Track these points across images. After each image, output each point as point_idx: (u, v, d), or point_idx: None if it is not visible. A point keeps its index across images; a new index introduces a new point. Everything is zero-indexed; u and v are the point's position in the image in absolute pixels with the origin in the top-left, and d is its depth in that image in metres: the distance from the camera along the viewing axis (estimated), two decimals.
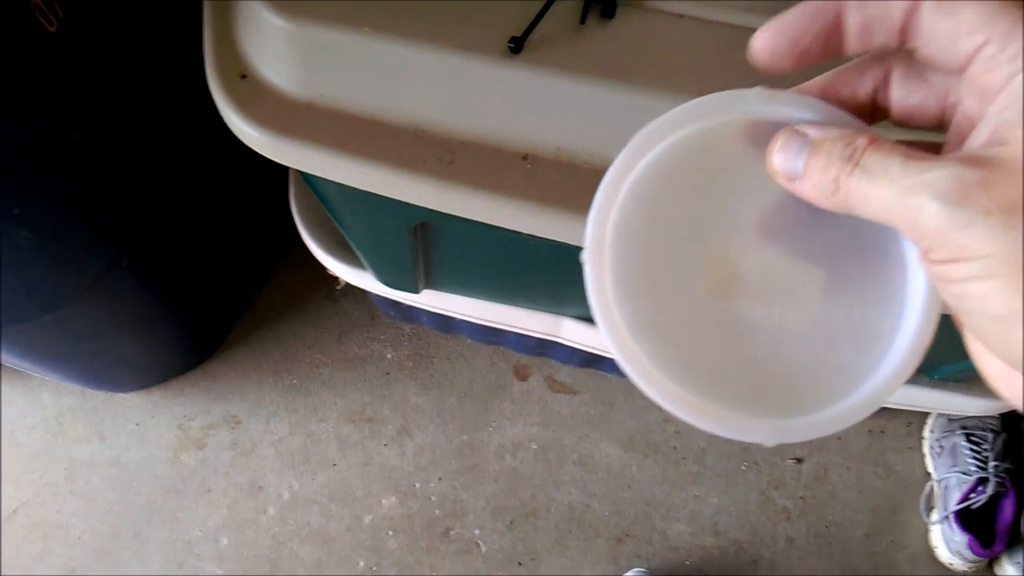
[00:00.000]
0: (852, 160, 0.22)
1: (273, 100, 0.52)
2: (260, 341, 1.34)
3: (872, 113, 0.26)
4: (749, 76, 0.49)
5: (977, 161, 0.20)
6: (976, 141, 0.22)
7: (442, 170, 0.51)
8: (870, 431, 1.33)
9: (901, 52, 0.24)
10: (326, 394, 1.32)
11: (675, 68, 0.48)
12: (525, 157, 0.52)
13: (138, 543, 1.23)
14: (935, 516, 1.26)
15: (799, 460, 1.32)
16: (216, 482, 1.27)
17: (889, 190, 0.21)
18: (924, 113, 0.25)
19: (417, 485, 1.28)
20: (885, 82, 0.25)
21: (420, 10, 0.49)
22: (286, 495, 1.26)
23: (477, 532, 1.26)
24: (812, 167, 0.23)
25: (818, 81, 0.26)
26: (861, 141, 0.23)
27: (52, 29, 0.63)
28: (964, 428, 1.28)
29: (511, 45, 0.47)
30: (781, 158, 0.24)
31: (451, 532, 1.26)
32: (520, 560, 1.25)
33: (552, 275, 0.76)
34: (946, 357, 0.87)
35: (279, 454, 1.28)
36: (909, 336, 0.25)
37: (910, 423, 1.34)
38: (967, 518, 1.21)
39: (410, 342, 1.35)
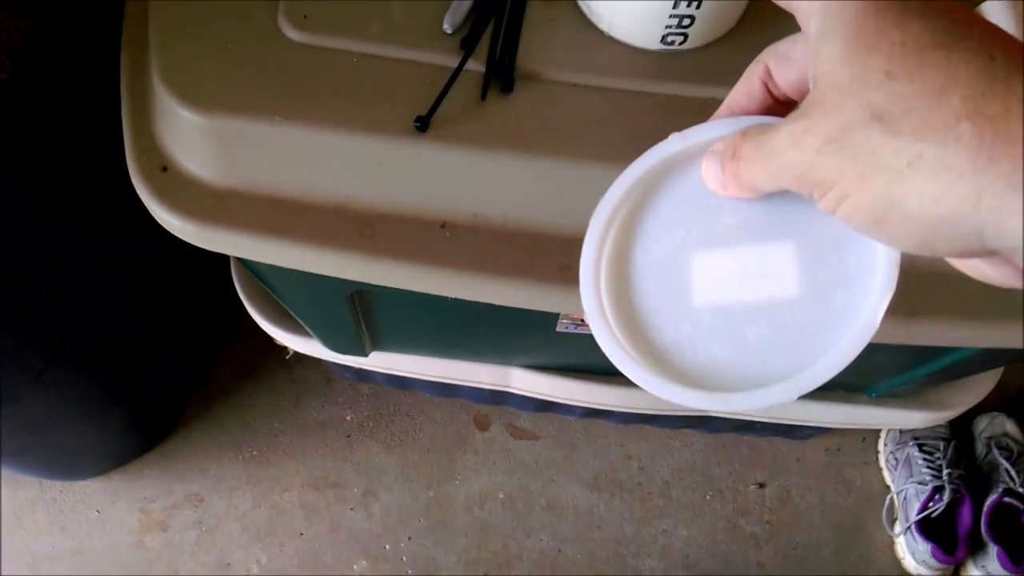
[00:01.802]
0: (736, 157, 0.28)
1: (195, 190, 0.54)
2: (217, 415, 1.34)
3: (778, 102, 0.30)
4: (639, 135, 0.52)
5: (800, 112, 0.25)
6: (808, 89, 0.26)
7: (364, 243, 0.53)
8: (826, 450, 1.36)
9: (769, 50, 0.29)
10: (288, 463, 1.32)
11: (573, 134, 0.51)
12: (443, 225, 0.54)
13: None
14: (898, 528, 1.29)
15: (761, 485, 1.34)
16: (183, 563, 1.25)
17: (759, 166, 0.27)
18: (803, 85, 0.28)
19: (387, 547, 1.27)
20: (768, 76, 0.29)
21: (328, 94, 0.51)
22: (255, 570, 1.25)
23: None
24: (726, 174, 0.28)
25: (724, 103, 0.31)
26: (737, 137, 0.28)
27: None
28: (916, 439, 1.31)
29: (417, 124, 0.50)
30: (710, 177, 0.29)
31: None
32: None
33: (493, 328, 0.78)
34: (880, 375, 0.90)
35: (245, 528, 1.27)
36: (886, 259, 0.29)
37: (864, 438, 1.37)
38: (928, 527, 1.24)
39: (368, 402, 1.36)
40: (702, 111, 0.52)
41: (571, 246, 0.54)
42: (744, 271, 0.30)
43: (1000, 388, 1.38)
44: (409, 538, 1.28)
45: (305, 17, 0.52)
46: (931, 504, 1.24)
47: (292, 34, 0.52)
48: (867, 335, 0.29)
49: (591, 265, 0.32)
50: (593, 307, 0.31)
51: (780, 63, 0.29)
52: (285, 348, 0.99)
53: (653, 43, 0.52)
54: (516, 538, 1.29)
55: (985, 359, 0.78)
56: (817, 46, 0.25)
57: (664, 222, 0.31)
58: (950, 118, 0.21)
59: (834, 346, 0.29)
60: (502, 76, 0.52)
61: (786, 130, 0.25)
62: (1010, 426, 1.32)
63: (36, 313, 0.86)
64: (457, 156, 0.51)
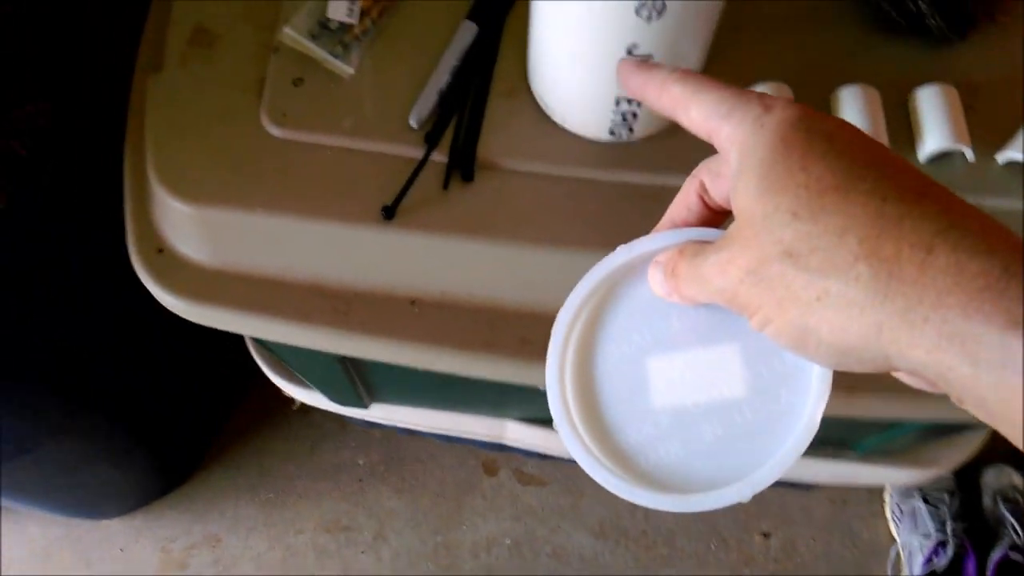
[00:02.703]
0: (675, 274, 0.30)
1: (187, 271, 0.59)
2: (235, 458, 1.39)
3: (715, 212, 0.32)
4: (590, 220, 0.56)
5: (726, 240, 0.27)
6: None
7: (339, 320, 0.58)
8: (832, 500, 1.36)
9: (703, 166, 0.32)
10: (302, 505, 1.36)
11: (529, 219, 0.55)
12: (413, 302, 0.59)
13: None
14: None
15: (766, 535, 1.35)
16: None
17: (694, 286, 0.29)
18: None
19: None
20: (704, 190, 0.32)
21: (304, 185, 0.56)
22: None
23: None
24: (668, 287, 0.31)
25: (666, 214, 0.34)
26: (674, 254, 0.30)
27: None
28: (922, 491, 1.31)
29: (383, 212, 0.55)
30: (657, 286, 0.32)
31: None
32: None
33: (480, 386, 0.82)
34: (864, 433, 0.92)
35: (260, 569, 1.32)
36: (817, 371, 0.31)
37: (871, 490, 1.37)
38: None
39: (380, 446, 1.40)
40: (650, 197, 0.56)
41: (530, 321, 0.58)
42: (696, 373, 0.32)
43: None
44: None
45: (284, 115, 0.58)
46: (935, 558, 1.24)
47: (273, 131, 0.58)
48: (809, 434, 0.31)
49: (556, 374, 0.34)
50: (561, 415, 0.33)
51: (713, 179, 0.31)
52: (292, 401, 1.04)
53: (602, 135, 0.56)
54: None
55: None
56: (735, 181, 0.27)
57: (620, 329, 0.34)
58: (849, 258, 0.23)
59: (782, 444, 0.31)
60: (463, 166, 0.56)
61: (713, 259, 0.27)
62: (1017, 478, 1.32)
63: (55, 368, 0.93)
64: (422, 241, 0.56)
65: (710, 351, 0.32)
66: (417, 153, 0.57)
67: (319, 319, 0.58)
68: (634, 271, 0.33)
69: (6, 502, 1.15)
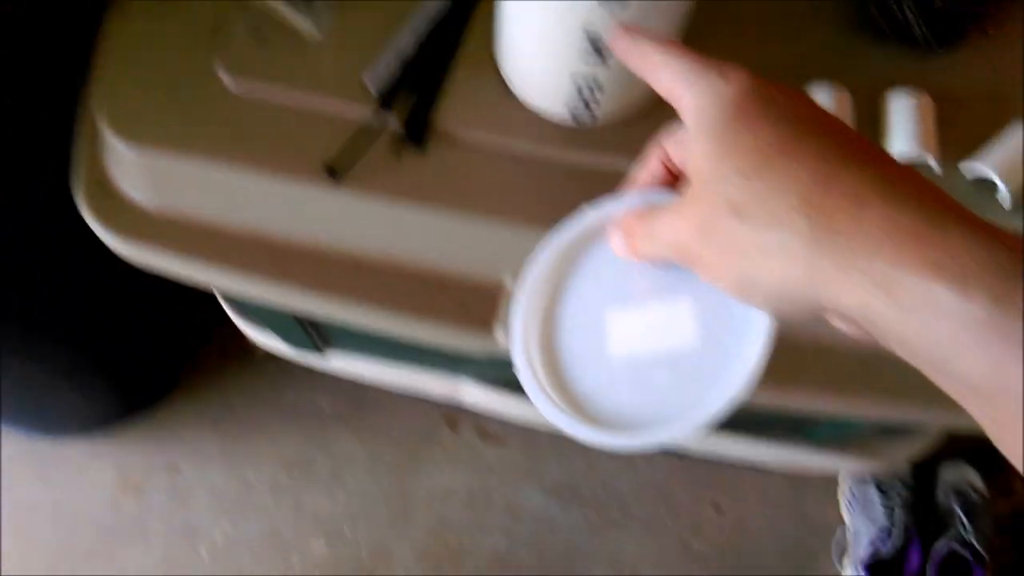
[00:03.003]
0: (631, 234, 0.33)
1: (131, 212, 0.58)
2: (201, 392, 1.40)
3: (675, 176, 0.35)
4: (543, 200, 0.55)
5: (678, 201, 0.30)
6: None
7: (280, 274, 0.57)
8: (789, 481, 1.37)
9: (665, 133, 0.34)
10: (262, 442, 1.37)
11: (480, 194, 0.54)
12: (356, 262, 0.58)
13: None
14: (847, 564, 1.31)
15: (719, 508, 1.36)
16: (153, 525, 1.32)
17: (648, 244, 0.32)
18: None
19: (346, 530, 1.33)
20: (666, 156, 0.34)
21: (252, 138, 0.55)
22: (219, 538, 1.31)
23: None
24: (626, 243, 0.33)
25: (629, 179, 0.36)
26: (630, 215, 0.33)
27: None
28: (877, 479, 1.32)
29: (328, 172, 0.53)
30: (616, 244, 0.34)
31: None
32: None
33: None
34: (819, 421, 0.92)
35: (214, 499, 1.33)
36: (761, 323, 0.33)
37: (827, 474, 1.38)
38: (876, 567, 1.26)
39: (346, 392, 1.41)
40: (605, 182, 0.55)
41: (473, 290, 0.58)
42: (651, 324, 0.35)
43: (971, 436, 1.39)
44: (368, 525, 1.33)
45: (239, 66, 0.56)
46: (880, 544, 1.26)
47: (227, 80, 0.56)
48: (753, 378, 0.33)
49: (520, 323, 0.36)
50: (523, 361, 0.36)
51: (675, 145, 0.33)
52: (256, 348, 1.04)
53: (564, 118, 0.55)
54: (471, 535, 1.33)
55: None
56: (691, 144, 0.29)
57: (583, 283, 0.36)
58: (790, 212, 0.25)
59: (724, 388, 0.33)
60: (416, 133, 0.55)
61: (667, 217, 0.30)
62: (973, 476, 1.33)
63: (21, 282, 0.92)
64: (368, 204, 0.54)
65: (664, 304, 0.35)
66: (371, 116, 0.55)
67: (260, 271, 0.57)
68: (599, 231, 0.36)
69: None
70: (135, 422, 1.37)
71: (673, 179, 0.34)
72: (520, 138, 0.55)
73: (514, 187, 0.55)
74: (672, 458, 1.37)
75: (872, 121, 0.57)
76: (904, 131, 0.55)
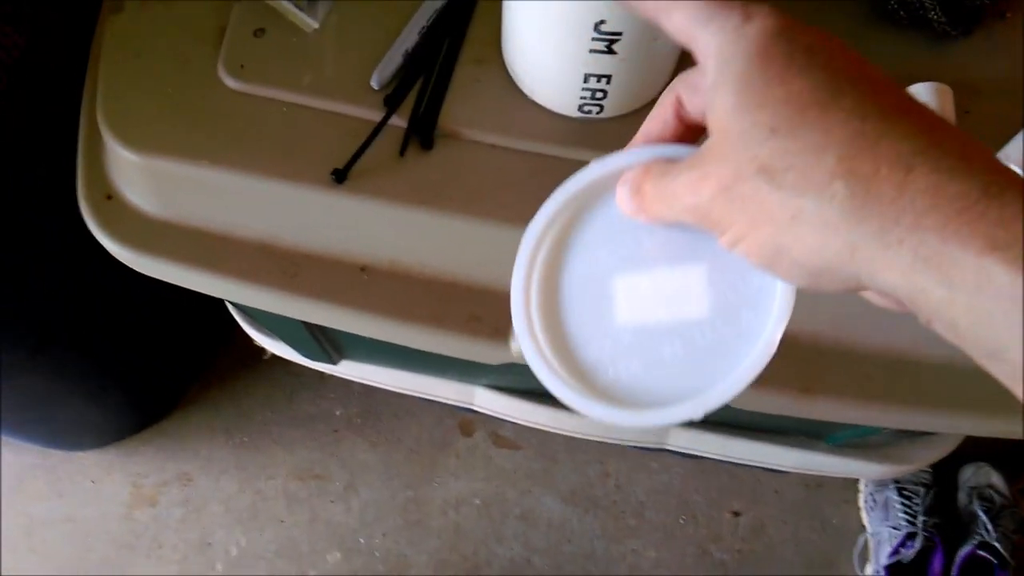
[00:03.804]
0: (640, 192, 0.29)
1: (134, 219, 0.57)
2: (214, 401, 1.39)
3: (690, 128, 0.31)
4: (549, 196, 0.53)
5: (698, 157, 0.26)
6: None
7: (286, 282, 0.56)
8: (807, 485, 1.36)
9: (680, 79, 0.30)
10: (276, 451, 1.37)
11: (487, 194, 0.53)
12: (363, 269, 0.57)
13: None
14: (869, 570, 1.29)
15: (736, 513, 1.34)
16: (167, 538, 1.31)
17: (661, 204, 0.28)
18: None
19: (362, 541, 1.32)
20: (681, 105, 0.30)
21: (255, 141, 0.54)
22: (234, 551, 1.31)
23: None
24: (635, 203, 0.30)
25: (641, 129, 0.32)
26: (639, 173, 0.30)
27: None
28: (897, 482, 1.30)
29: (333, 176, 0.52)
30: (624, 204, 0.31)
31: None
32: None
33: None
34: (839, 424, 0.90)
35: (228, 511, 1.33)
36: (782, 283, 0.31)
37: (846, 478, 1.36)
38: (897, 572, 1.24)
39: (359, 400, 1.40)
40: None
41: (482, 297, 0.57)
42: (660, 292, 0.32)
43: (992, 438, 1.37)
44: (384, 535, 1.32)
45: (242, 66, 0.55)
46: (902, 549, 1.23)
47: (229, 82, 0.55)
48: (766, 356, 0.31)
49: (521, 287, 0.33)
50: (523, 327, 0.33)
51: (690, 94, 0.30)
52: (262, 351, 1.03)
53: (571, 111, 0.54)
54: (487, 544, 1.32)
55: None
56: (712, 94, 0.26)
57: (588, 245, 0.33)
58: (826, 176, 0.23)
59: (738, 366, 0.31)
60: (422, 133, 0.54)
61: (685, 176, 0.27)
62: (996, 478, 1.30)
63: (32, 295, 0.92)
64: (374, 207, 0.53)
65: (676, 271, 0.32)
66: (377, 116, 0.54)
67: (266, 279, 0.56)
68: (607, 188, 0.33)
69: None
70: (148, 433, 1.37)
71: (686, 130, 0.31)
72: (527, 135, 0.54)
73: (522, 186, 0.54)
74: (688, 463, 1.36)
75: None
76: None
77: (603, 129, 0.55)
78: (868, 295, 0.28)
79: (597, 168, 0.32)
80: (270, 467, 1.35)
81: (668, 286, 0.32)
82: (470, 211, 0.53)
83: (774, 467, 1.00)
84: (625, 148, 0.32)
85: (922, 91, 0.53)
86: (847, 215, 0.23)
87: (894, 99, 0.24)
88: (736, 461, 1.08)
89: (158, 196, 0.56)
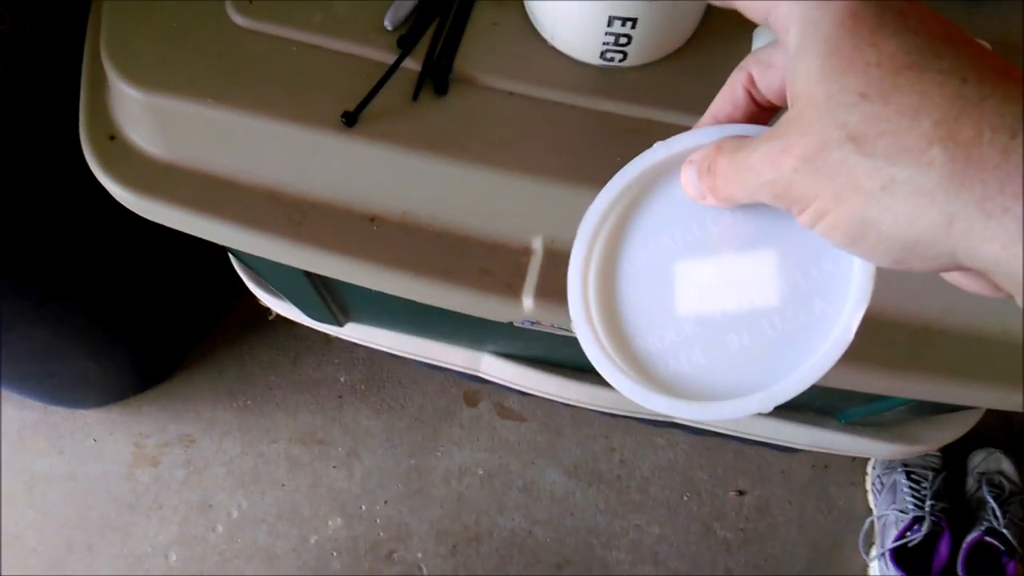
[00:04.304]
0: (711, 171, 0.28)
1: (138, 161, 0.56)
2: (217, 362, 1.38)
3: (763, 109, 0.30)
4: (568, 149, 0.52)
5: (778, 129, 0.25)
6: (787, 105, 0.26)
7: (293, 230, 0.55)
8: (813, 465, 1.34)
9: (752, 57, 0.29)
10: (279, 415, 1.36)
11: (502, 143, 0.51)
12: (373, 219, 0.55)
13: (91, 556, 1.27)
14: (873, 552, 1.27)
15: (741, 492, 1.33)
16: (168, 499, 1.30)
17: (737, 182, 0.27)
18: (785, 92, 0.28)
19: (363, 507, 1.31)
20: (752, 83, 0.29)
21: (264, 81, 0.52)
22: (235, 514, 1.30)
23: (420, 555, 1.29)
24: (703, 186, 0.29)
25: (708, 111, 0.31)
26: (712, 151, 0.28)
27: None
28: (905, 465, 1.28)
29: (344, 119, 0.50)
30: (689, 187, 0.30)
31: (394, 555, 1.29)
32: None
33: (452, 315, 0.79)
34: (848, 402, 0.88)
35: (230, 473, 1.32)
36: (861, 268, 0.29)
37: (854, 459, 1.35)
38: (903, 556, 1.22)
39: (364, 366, 1.39)
40: (637, 131, 0.52)
41: (495, 252, 0.55)
42: (726, 279, 0.31)
43: (1003, 424, 1.34)
44: (385, 502, 1.31)
45: (251, 2, 0.53)
46: (909, 533, 1.22)
47: (237, 18, 0.53)
48: (842, 346, 0.29)
49: (579, 273, 0.32)
50: (580, 314, 0.32)
51: (763, 70, 0.29)
52: (267, 311, 1.02)
53: (593, 58, 0.52)
54: (489, 515, 1.31)
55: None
56: (795, 61, 0.24)
57: (650, 230, 0.32)
58: (922, 142, 0.21)
59: (810, 357, 0.29)
60: (437, 77, 0.52)
61: (764, 148, 0.25)
62: (1006, 465, 1.29)
63: (33, 250, 0.90)
64: (385, 153, 0.52)
65: (743, 257, 0.30)
66: (390, 58, 0.52)
67: (271, 226, 0.55)
68: (670, 171, 0.31)
69: None
70: (151, 393, 1.36)
71: (758, 110, 0.30)
72: (546, 82, 0.52)
73: (539, 136, 0.52)
74: (695, 440, 1.34)
75: None
76: None
77: (625, 78, 0.53)
78: (956, 277, 0.27)
79: (662, 150, 0.31)
80: (273, 431, 1.34)
81: (735, 273, 0.30)
82: (484, 161, 0.51)
83: (783, 444, 0.98)
84: (692, 129, 0.31)
85: None
86: (946, 182, 0.21)
87: (992, 61, 0.22)
88: (745, 437, 1.06)
89: (162, 136, 0.54)
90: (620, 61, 0.52)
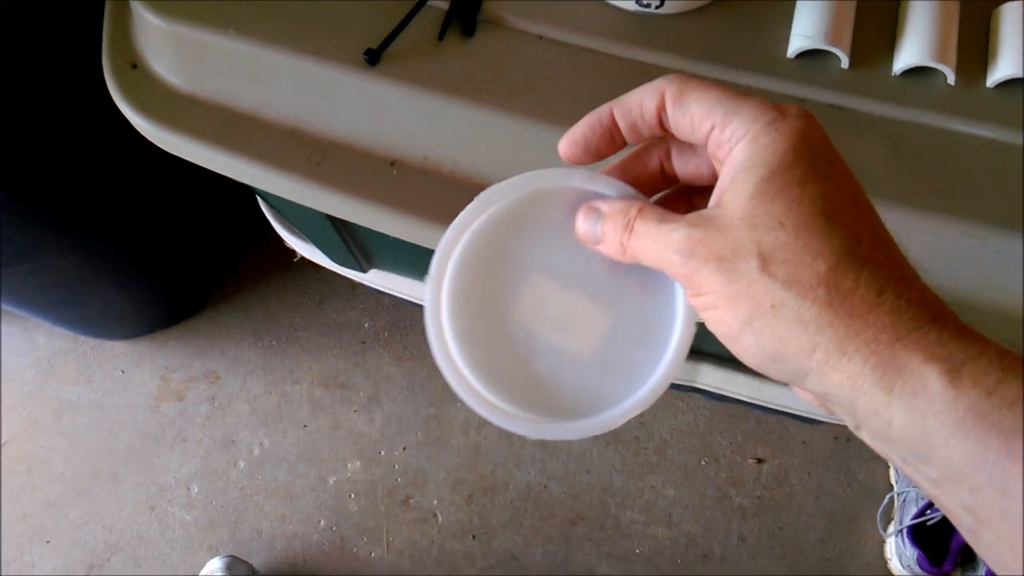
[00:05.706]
0: (628, 227, 0.30)
1: (159, 91, 0.55)
2: (244, 301, 1.39)
3: (666, 180, 0.33)
4: (596, 99, 0.50)
5: (701, 220, 0.28)
6: (711, 203, 0.29)
7: (311, 170, 0.53)
8: (836, 438, 1.32)
9: (673, 141, 0.32)
10: (303, 357, 1.37)
11: (528, 89, 0.49)
12: (393, 163, 0.54)
13: (115, 484, 1.30)
14: (891, 528, 1.26)
15: (760, 460, 1.32)
16: (192, 433, 1.33)
17: (652, 247, 0.29)
18: (701, 176, 0.32)
19: (382, 452, 1.32)
20: (667, 156, 0.32)
21: (287, 15, 0.51)
22: (256, 451, 1.32)
23: (436, 502, 1.30)
24: (605, 233, 0.31)
25: (619, 162, 0.33)
26: (633, 211, 0.30)
27: None
28: None
29: (366, 57, 0.49)
30: (584, 227, 0.32)
31: (411, 500, 1.30)
32: (475, 533, 1.29)
33: None
34: None
35: (253, 411, 1.34)
36: (656, 378, 0.32)
37: None
38: (921, 533, 1.21)
39: (388, 313, 1.39)
40: None
41: None
42: (561, 314, 0.32)
43: None
44: (404, 448, 1.32)
45: None
46: (929, 511, 1.20)
47: None
48: (612, 424, 0.31)
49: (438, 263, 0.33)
50: (430, 297, 0.33)
51: (683, 152, 0.32)
52: (292, 252, 1.02)
53: (628, 2, 0.49)
54: (506, 467, 1.31)
55: None
56: (736, 171, 0.27)
57: (531, 237, 0.33)
58: (814, 280, 0.25)
59: (581, 419, 0.32)
60: (464, 17, 0.50)
61: (685, 231, 0.28)
62: None
63: (58, 179, 0.91)
64: (407, 95, 0.50)
65: (587, 305, 0.32)
66: None
67: (289, 165, 0.54)
68: (572, 196, 0.32)
69: (10, 307, 1.16)
70: (177, 329, 1.37)
71: (660, 177, 0.33)
72: (578, 27, 0.50)
73: (568, 83, 0.50)
74: (716, 407, 1.33)
75: (979, 36, 0.50)
76: (1013, 48, 0.48)
77: (660, 27, 0.50)
78: (799, 392, 0.30)
79: (561, 178, 0.32)
80: (296, 372, 1.36)
81: (571, 313, 0.32)
82: (510, 107, 0.50)
83: (805, 414, 0.97)
84: (599, 171, 0.32)
85: (921, 6, 0.49)
86: (819, 319, 0.25)
87: (879, 232, 0.27)
88: (767, 405, 1.05)
89: (184, 67, 0.53)
90: (657, 8, 0.49)
